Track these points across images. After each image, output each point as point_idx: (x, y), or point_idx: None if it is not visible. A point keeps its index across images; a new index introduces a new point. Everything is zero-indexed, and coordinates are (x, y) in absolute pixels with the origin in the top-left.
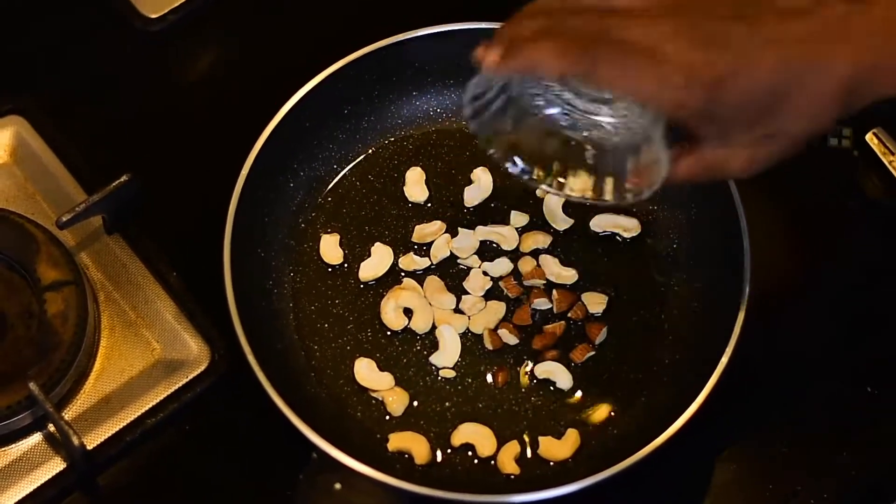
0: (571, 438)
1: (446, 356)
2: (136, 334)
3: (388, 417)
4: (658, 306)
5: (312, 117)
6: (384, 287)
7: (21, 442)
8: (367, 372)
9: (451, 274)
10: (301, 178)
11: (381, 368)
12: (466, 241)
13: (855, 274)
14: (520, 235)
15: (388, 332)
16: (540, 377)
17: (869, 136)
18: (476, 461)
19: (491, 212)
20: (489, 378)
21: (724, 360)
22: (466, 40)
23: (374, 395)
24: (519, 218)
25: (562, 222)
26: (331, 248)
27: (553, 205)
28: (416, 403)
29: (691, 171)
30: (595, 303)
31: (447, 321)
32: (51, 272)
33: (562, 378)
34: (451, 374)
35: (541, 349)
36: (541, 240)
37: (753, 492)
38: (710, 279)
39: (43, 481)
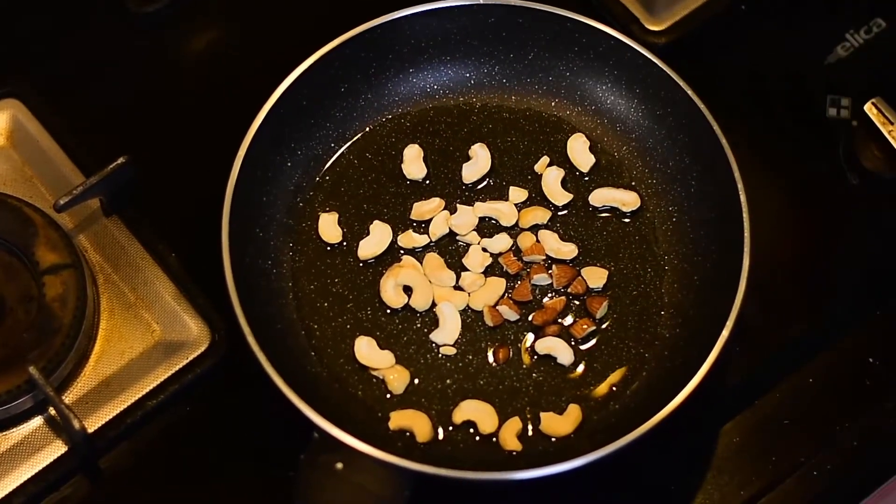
0: (573, 414)
1: (447, 333)
2: (136, 316)
3: (388, 396)
4: (658, 280)
5: (309, 96)
6: (383, 265)
7: (22, 426)
8: (367, 350)
9: (451, 251)
10: (298, 157)
11: (382, 347)
12: (465, 218)
13: (855, 247)
14: (519, 211)
15: (388, 311)
16: (541, 353)
17: (868, 106)
18: (478, 438)
19: (489, 188)
20: (490, 355)
21: (726, 333)
22: (462, 16)
23: (374, 373)
24: (518, 194)
25: (561, 197)
26: (329, 227)
27: (552, 180)
28: (417, 381)
29: None
30: (595, 277)
31: (447, 298)
32: (49, 255)
33: (563, 353)
34: (452, 351)
35: (541, 325)
36: (540, 215)
37: (756, 464)
38: (710, 252)
39: (44, 465)
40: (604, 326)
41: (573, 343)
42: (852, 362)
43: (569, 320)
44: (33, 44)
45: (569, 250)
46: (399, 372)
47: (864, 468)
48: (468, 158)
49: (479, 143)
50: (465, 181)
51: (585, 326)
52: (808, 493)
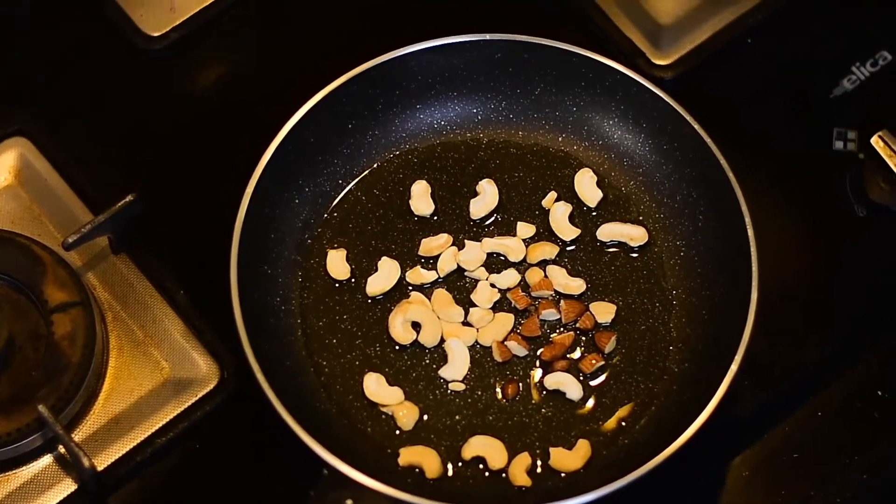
0: (582, 449)
1: (455, 369)
2: (145, 354)
3: (398, 432)
4: (666, 315)
5: (316, 133)
6: (392, 301)
7: (32, 464)
8: (376, 387)
9: (459, 287)
10: (306, 194)
11: (391, 383)
12: (473, 254)
13: (863, 279)
14: (527, 247)
15: (397, 347)
16: (550, 388)
17: (874, 139)
18: (487, 474)
19: (497, 223)
20: (499, 390)
21: (734, 367)
22: (469, 52)
23: (383, 409)
24: (525, 229)
25: (568, 232)
26: (337, 264)
27: (559, 215)
28: (426, 417)
29: None
30: (603, 312)
31: (456, 334)
32: (58, 293)
33: (571, 388)
34: (461, 387)
35: (550, 360)
36: (548, 251)
37: (766, 497)
38: (718, 287)
39: (54, 503)
40: (612, 361)
41: (582, 378)
42: (861, 395)
43: (577, 355)
44: (40, 81)
45: (577, 285)
46: (408, 408)
47: (873, 501)
48: (476, 194)
49: (486, 179)
50: (473, 217)
51: (594, 361)
52: None
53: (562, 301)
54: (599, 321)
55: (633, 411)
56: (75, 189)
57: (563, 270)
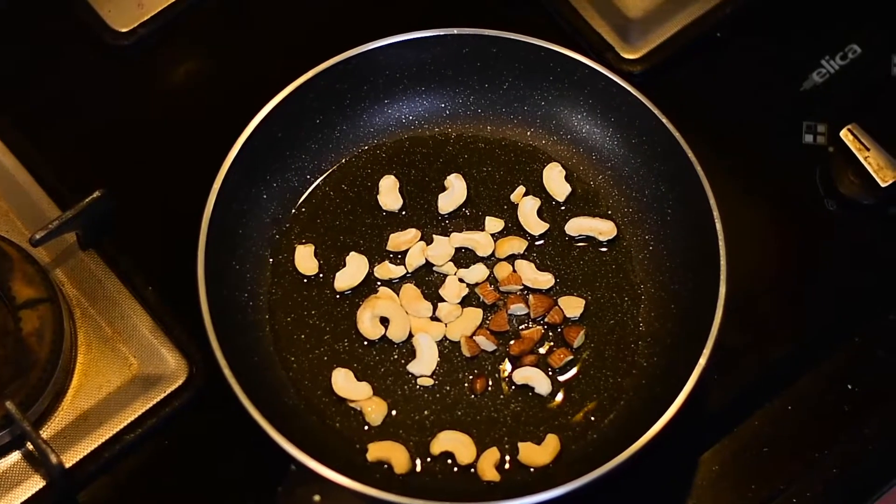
0: (551, 444)
1: (424, 364)
2: (113, 350)
3: (366, 427)
4: (635, 309)
5: (284, 128)
6: (360, 297)
7: None
8: (344, 382)
9: (427, 282)
10: (274, 190)
11: (359, 378)
12: (441, 249)
13: (833, 273)
14: (495, 241)
15: (366, 342)
16: (518, 383)
17: (844, 133)
18: (456, 469)
19: (466, 218)
20: (467, 385)
21: (703, 361)
22: (436, 46)
23: (352, 405)
24: (494, 224)
25: (537, 227)
26: (306, 259)
27: (528, 210)
28: (394, 412)
29: None
30: (572, 307)
31: (424, 329)
32: (25, 290)
33: (540, 383)
34: (430, 382)
35: (518, 355)
36: (516, 245)
37: (736, 491)
38: (686, 281)
39: (22, 500)
40: (581, 356)
41: (551, 373)
42: (831, 388)
43: (546, 350)
44: (7, 77)
45: (545, 280)
46: (377, 403)
47: (843, 495)
48: (444, 189)
49: (454, 174)
50: (441, 211)
51: (563, 356)
52: None
53: (530, 296)
54: (568, 316)
55: (601, 406)
56: (43, 185)
57: (532, 265)
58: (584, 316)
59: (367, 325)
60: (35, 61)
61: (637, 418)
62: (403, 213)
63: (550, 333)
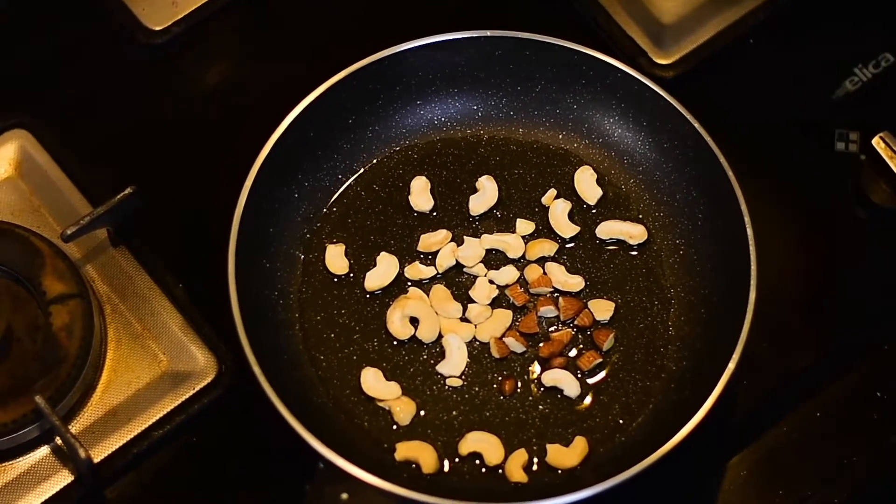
0: (579, 446)
1: (453, 365)
2: (143, 346)
3: (395, 427)
4: (665, 313)
5: (316, 128)
6: (390, 297)
7: (28, 455)
8: (373, 381)
9: (457, 283)
10: (306, 189)
11: (388, 378)
12: (472, 250)
13: (863, 280)
14: (525, 243)
15: (395, 342)
16: (547, 385)
17: (876, 141)
18: (484, 470)
19: (497, 220)
20: (496, 386)
21: (732, 366)
22: (470, 48)
23: (381, 404)
24: (524, 226)
25: (568, 230)
26: (336, 259)
27: (559, 212)
28: (423, 413)
29: None
30: (602, 310)
31: (454, 330)
32: (56, 285)
33: (569, 386)
34: (459, 382)
35: (548, 357)
36: (547, 247)
37: (763, 498)
38: (716, 285)
39: (50, 495)
40: (610, 359)
41: (580, 375)
42: (860, 396)
43: (575, 353)
44: (41, 74)
45: (576, 282)
46: (405, 403)
47: (870, 503)
48: (475, 190)
49: (486, 176)
50: (472, 213)
51: (592, 359)
52: None
53: (560, 298)
54: (598, 319)
55: (630, 409)
56: (75, 181)
57: (562, 267)
58: (613, 319)
59: (398, 324)
60: (68, 59)
61: (665, 422)
62: (434, 213)
63: (580, 336)
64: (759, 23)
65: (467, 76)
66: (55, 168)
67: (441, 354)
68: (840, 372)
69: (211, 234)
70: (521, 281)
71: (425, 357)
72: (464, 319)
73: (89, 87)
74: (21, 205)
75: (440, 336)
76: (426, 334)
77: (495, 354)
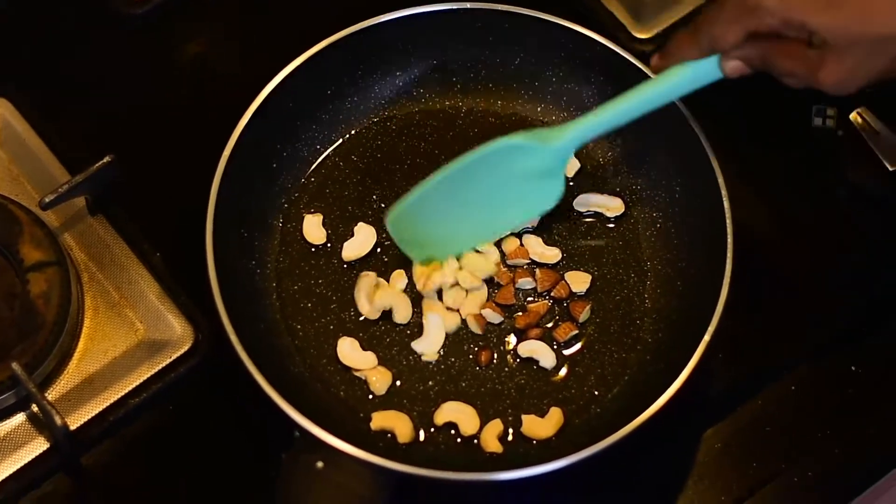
0: (555, 417)
1: (429, 343)
2: (120, 315)
3: (371, 396)
4: (641, 286)
5: (295, 98)
6: (367, 267)
7: (4, 422)
8: (349, 351)
9: None
10: (284, 159)
11: (365, 348)
12: None
13: (839, 255)
14: None
15: None
16: (523, 356)
17: (853, 116)
18: (459, 440)
19: None
20: (472, 357)
21: (707, 338)
22: (449, 20)
23: (357, 374)
24: None
25: None
26: (314, 228)
27: None
28: (399, 383)
29: (787, 66)
30: (579, 282)
31: (434, 309)
32: (34, 253)
33: (545, 357)
34: (435, 357)
35: (524, 328)
36: None
37: (737, 470)
38: (693, 258)
39: (26, 461)
40: (586, 331)
41: (556, 347)
42: (835, 371)
43: (552, 325)
44: (21, 45)
45: (553, 254)
46: (381, 373)
47: (844, 476)
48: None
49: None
50: None
51: (568, 330)
52: (788, 500)
53: (537, 270)
54: (574, 290)
55: (605, 380)
56: (54, 151)
57: (539, 239)
58: (590, 291)
59: (367, 306)
60: (49, 29)
61: (640, 394)
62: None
63: (556, 308)
64: None
65: (446, 48)
66: (34, 137)
67: (418, 327)
68: (816, 346)
69: (189, 203)
70: (499, 253)
71: (401, 328)
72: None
73: (70, 58)
74: (0, 173)
75: (414, 314)
76: (401, 318)
77: (475, 331)
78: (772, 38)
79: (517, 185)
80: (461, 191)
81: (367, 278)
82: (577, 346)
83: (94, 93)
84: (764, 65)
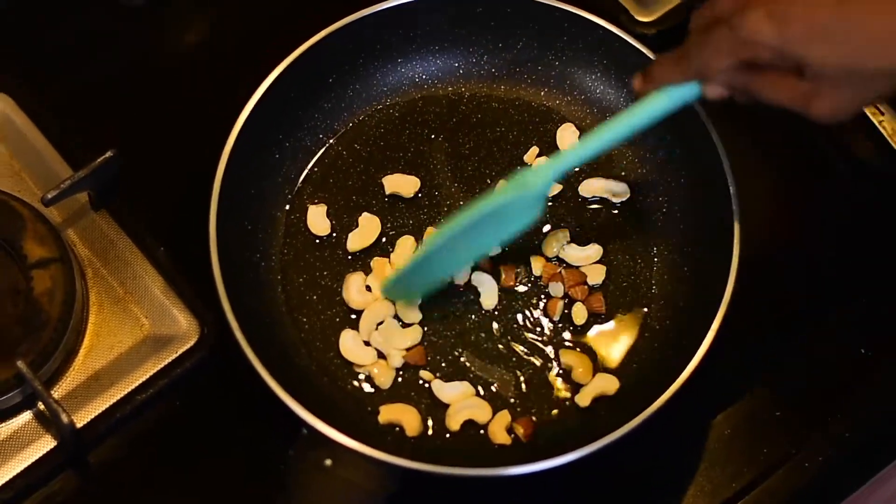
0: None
1: (488, 298)
2: (125, 310)
3: (378, 389)
4: (648, 271)
5: (297, 88)
6: (373, 257)
7: (10, 421)
8: (352, 344)
9: None
10: (287, 149)
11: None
12: None
13: (846, 234)
14: None
15: None
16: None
17: None
18: (469, 432)
19: (480, 176)
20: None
21: (716, 324)
22: (450, 6)
23: (358, 370)
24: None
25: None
26: (318, 219)
27: None
28: (406, 375)
29: (777, 96)
30: (594, 275)
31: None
32: (37, 249)
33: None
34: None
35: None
36: None
37: (747, 456)
38: (700, 243)
39: (33, 460)
40: (594, 318)
41: (567, 333)
42: (844, 354)
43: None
44: (20, 38)
45: (595, 252)
46: (383, 367)
47: (855, 460)
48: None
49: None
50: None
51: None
52: (798, 485)
53: (563, 270)
54: (590, 283)
55: (614, 369)
56: (55, 145)
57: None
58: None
59: (356, 297)
60: (48, 21)
61: (650, 381)
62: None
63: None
64: None
65: (448, 34)
66: (35, 132)
67: None
68: (824, 330)
69: (192, 196)
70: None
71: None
72: None
73: (70, 51)
74: (1, 169)
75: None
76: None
77: (508, 284)
78: (761, 68)
79: (501, 222)
80: (450, 249)
81: (356, 277)
82: (587, 334)
83: (94, 85)
84: (749, 92)
